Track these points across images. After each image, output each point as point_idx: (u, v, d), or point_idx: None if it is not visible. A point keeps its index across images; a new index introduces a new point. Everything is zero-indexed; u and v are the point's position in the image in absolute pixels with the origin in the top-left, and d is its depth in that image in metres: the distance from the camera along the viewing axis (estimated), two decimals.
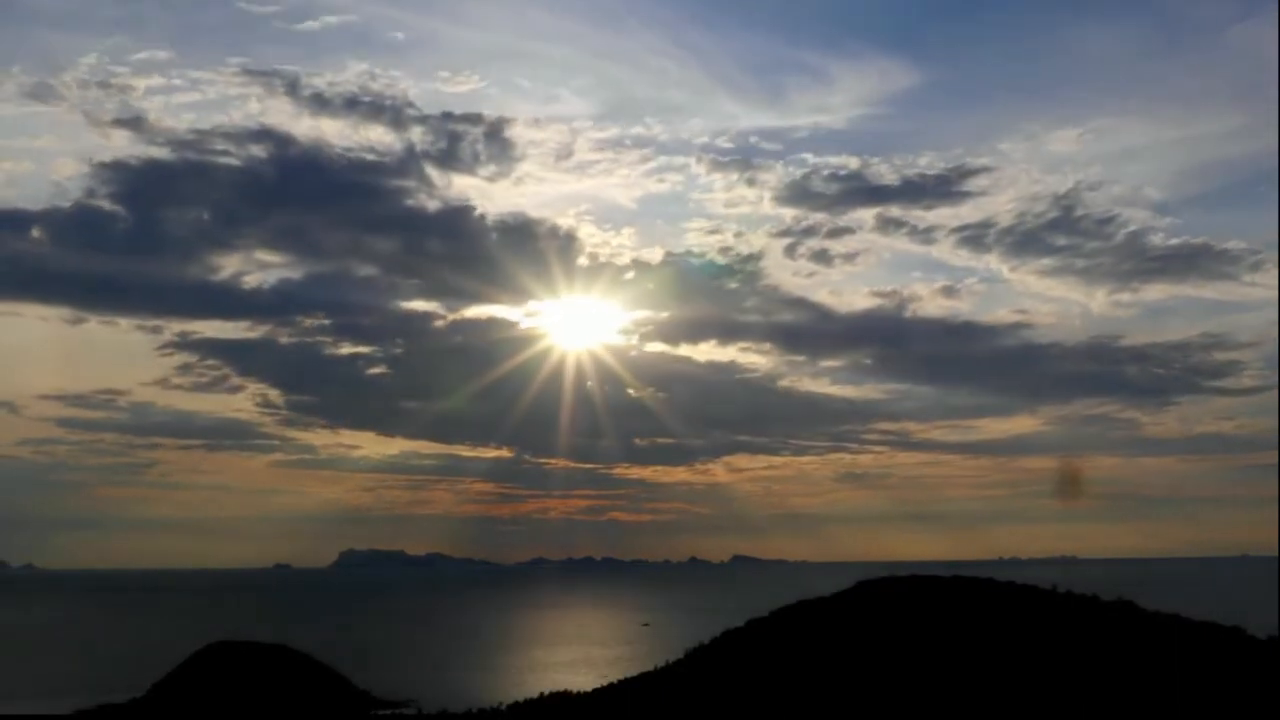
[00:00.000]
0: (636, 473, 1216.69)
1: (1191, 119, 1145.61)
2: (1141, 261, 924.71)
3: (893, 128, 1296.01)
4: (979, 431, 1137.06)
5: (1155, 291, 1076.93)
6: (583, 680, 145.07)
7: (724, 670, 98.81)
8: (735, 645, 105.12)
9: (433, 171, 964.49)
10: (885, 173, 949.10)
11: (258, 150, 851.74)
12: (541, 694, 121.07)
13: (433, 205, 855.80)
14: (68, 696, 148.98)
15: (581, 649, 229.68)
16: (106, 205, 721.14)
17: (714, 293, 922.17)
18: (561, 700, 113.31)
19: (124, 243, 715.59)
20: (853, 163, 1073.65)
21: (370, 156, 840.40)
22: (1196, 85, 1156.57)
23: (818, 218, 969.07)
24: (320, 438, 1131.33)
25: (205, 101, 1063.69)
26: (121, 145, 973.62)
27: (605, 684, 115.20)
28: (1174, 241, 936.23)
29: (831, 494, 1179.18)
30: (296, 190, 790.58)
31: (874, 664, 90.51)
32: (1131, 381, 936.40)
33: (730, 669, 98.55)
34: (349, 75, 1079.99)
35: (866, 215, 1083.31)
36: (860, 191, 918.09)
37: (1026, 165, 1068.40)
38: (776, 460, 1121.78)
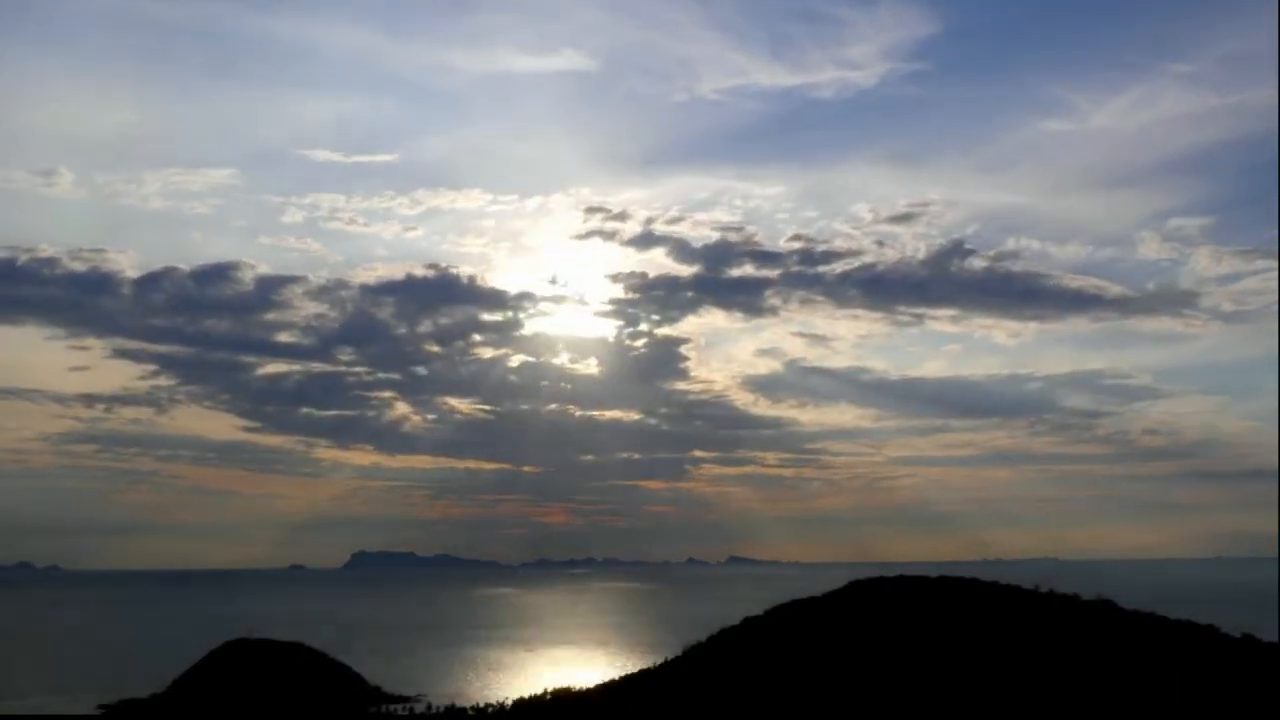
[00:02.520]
0: (631, 482, 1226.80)
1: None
2: (1045, 305, 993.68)
3: (913, 92, 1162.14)
4: (943, 446, 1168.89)
5: (1063, 328, 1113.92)
6: (585, 677, 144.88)
7: (722, 667, 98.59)
8: (732, 643, 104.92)
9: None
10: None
11: None
12: (545, 690, 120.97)
13: (431, 274, 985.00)
14: (91, 692, 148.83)
15: (582, 647, 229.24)
16: (184, 274, 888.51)
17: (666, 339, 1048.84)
18: (564, 696, 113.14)
19: (191, 303, 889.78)
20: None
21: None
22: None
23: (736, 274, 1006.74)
24: (339, 453, 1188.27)
25: None
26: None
27: (607, 680, 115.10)
28: (1075, 285, 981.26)
29: (812, 501, 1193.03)
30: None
31: (866, 660, 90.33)
32: (1062, 404, 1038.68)
33: (728, 666, 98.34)
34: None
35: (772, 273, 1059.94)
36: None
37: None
38: (752, 470, 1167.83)
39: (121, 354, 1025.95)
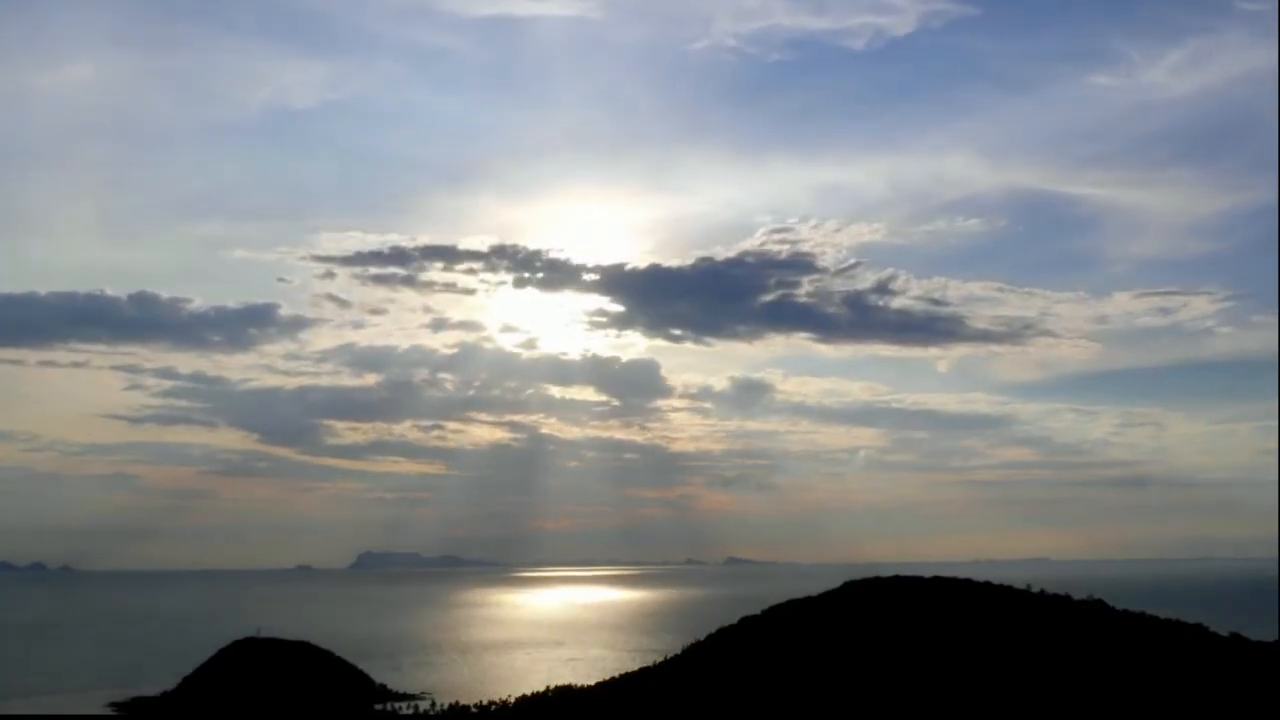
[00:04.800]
0: (629, 489, 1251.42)
1: None
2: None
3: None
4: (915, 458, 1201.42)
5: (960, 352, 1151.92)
6: (586, 675, 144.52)
7: (721, 666, 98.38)
8: (731, 642, 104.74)
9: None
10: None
11: None
12: (547, 688, 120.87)
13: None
14: (103, 690, 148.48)
15: (582, 646, 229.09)
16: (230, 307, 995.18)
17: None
18: (566, 694, 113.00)
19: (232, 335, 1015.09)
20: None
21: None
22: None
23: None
24: (348, 462, 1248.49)
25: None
26: None
27: (607, 678, 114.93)
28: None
29: (803, 506, 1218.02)
30: None
31: (861, 659, 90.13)
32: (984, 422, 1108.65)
33: (727, 665, 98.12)
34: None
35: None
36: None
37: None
38: (741, 476, 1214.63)
39: (163, 374, 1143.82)
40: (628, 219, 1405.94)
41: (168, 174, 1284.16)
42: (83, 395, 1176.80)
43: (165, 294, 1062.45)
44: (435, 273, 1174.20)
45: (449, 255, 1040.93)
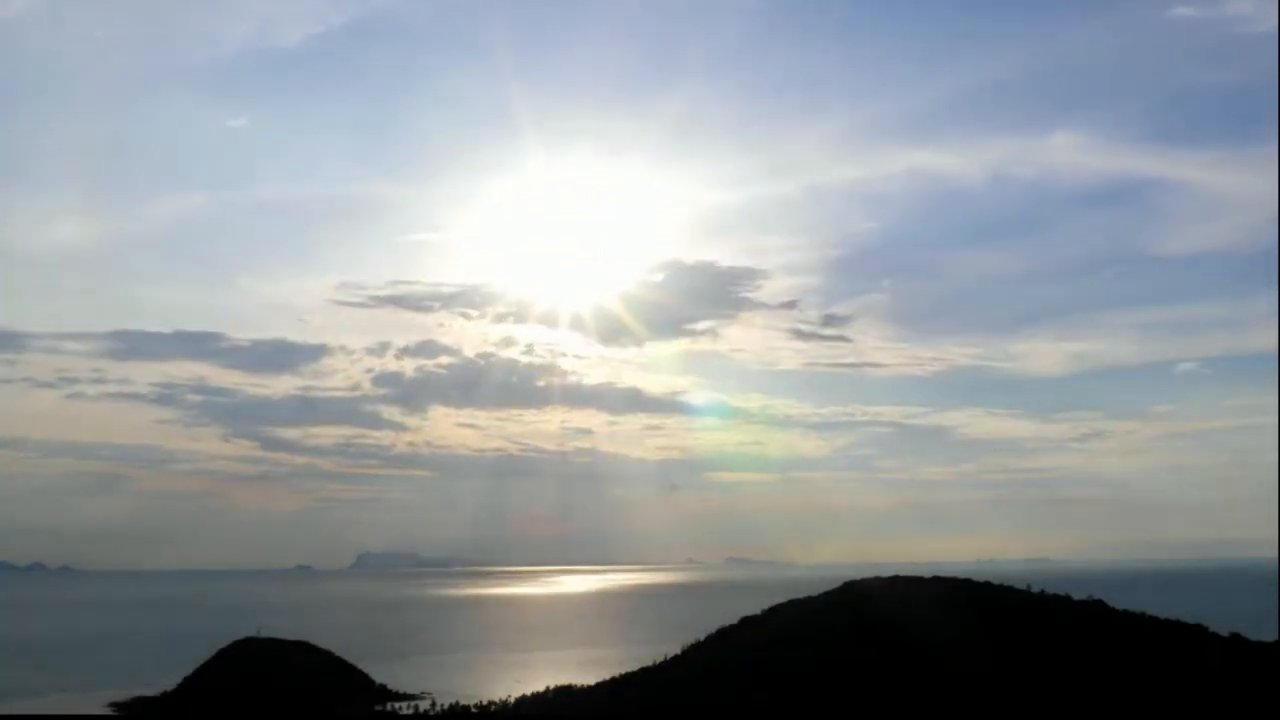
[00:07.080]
0: (624, 495, 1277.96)
1: None
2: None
3: None
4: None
5: None
6: (586, 675, 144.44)
7: (720, 665, 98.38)
8: (731, 641, 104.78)
9: None
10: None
11: None
12: (547, 688, 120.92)
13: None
14: (103, 690, 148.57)
15: (582, 646, 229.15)
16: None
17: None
18: (566, 694, 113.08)
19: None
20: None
21: None
22: None
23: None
24: (350, 465, 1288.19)
25: None
26: None
27: (607, 678, 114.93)
28: None
29: (799, 508, 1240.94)
30: None
31: (860, 658, 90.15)
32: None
33: (726, 664, 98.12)
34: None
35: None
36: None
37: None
38: (739, 479, 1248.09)
39: (174, 386, 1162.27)
40: (629, 217, 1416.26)
41: (143, 137, 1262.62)
42: (108, 406, 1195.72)
43: (194, 328, 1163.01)
44: (433, 313, 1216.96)
45: (440, 297, 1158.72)
